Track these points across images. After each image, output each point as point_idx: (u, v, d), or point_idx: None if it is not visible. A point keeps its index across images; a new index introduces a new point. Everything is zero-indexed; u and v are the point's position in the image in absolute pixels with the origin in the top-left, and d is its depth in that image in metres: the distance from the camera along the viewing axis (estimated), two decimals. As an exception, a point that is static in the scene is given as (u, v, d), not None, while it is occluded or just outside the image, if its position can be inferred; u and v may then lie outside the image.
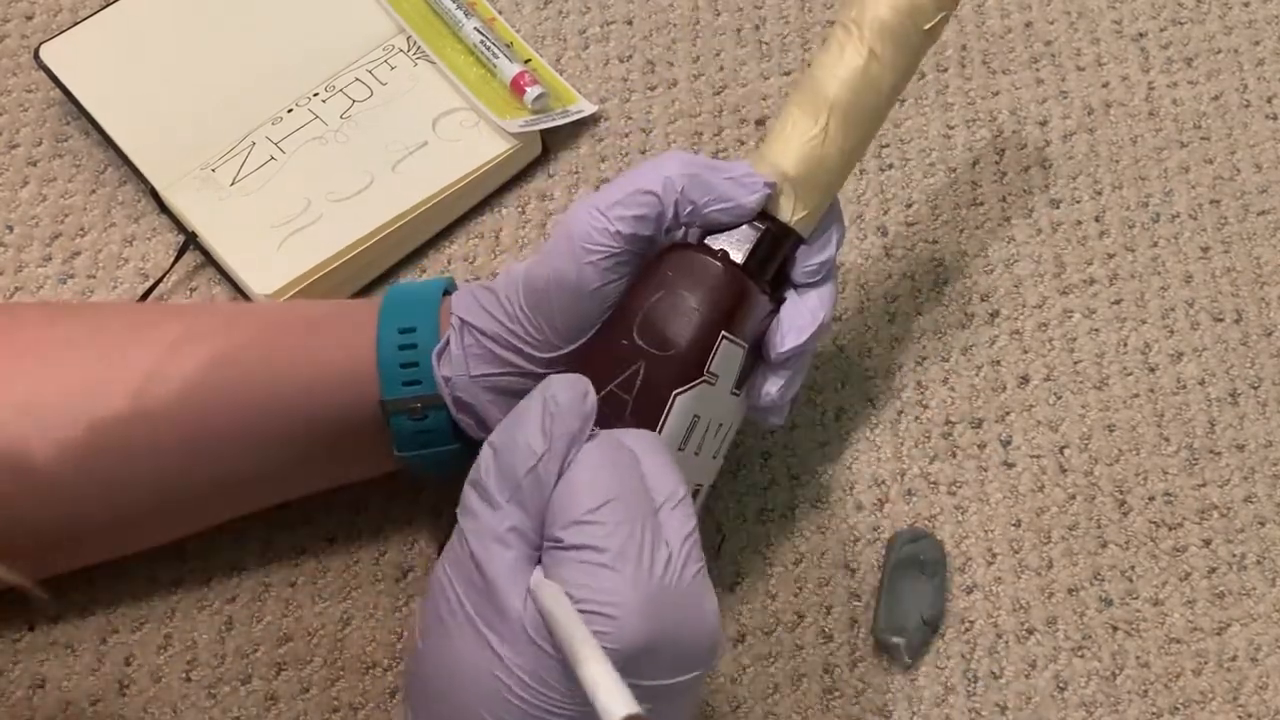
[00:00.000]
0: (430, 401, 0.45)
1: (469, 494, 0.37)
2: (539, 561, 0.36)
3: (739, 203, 0.43)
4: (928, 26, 0.45)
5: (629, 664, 0.34)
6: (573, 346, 0.43)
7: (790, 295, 0.46)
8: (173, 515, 0.48)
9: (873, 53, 0.44)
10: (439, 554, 0.39)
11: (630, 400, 0.42)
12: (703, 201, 0.43)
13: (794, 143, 0.44)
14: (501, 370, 0.44)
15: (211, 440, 0.45)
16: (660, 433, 0.42)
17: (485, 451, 0.37)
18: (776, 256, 0.45)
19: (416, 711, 0.38)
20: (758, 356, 0.46)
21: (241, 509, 0.49)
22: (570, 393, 0.37)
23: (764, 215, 0.44)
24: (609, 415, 0.41)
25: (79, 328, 0.47)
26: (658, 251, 0.44)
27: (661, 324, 0.42)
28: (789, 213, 0.44)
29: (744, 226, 0.44)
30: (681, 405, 0.42)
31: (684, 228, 0.44)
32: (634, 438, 0.38)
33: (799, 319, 0.45)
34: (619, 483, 0.36)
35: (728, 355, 0.43)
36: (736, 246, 0.44)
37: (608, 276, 0.43)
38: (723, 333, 0.43)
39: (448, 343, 0.45)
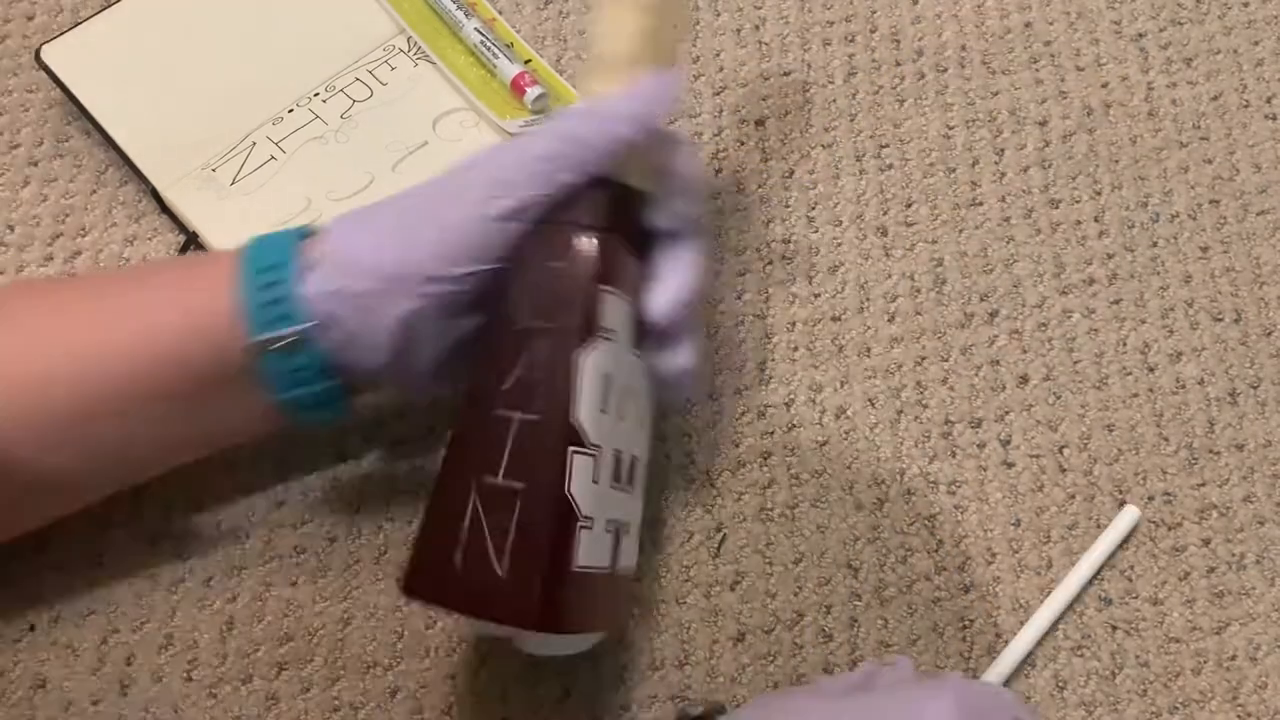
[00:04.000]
0: (304, 335, 0.44)
1: None
2: None
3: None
4: None
5: None
6: (457, 270, 0.44)
7: (656, 258, 0.47)
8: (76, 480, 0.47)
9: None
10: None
11: (540, 380, 0.42)
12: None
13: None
14: (370, 286, 0.44)
15: (93, 405, 0.44)
16: (579, 400, 0.42)
17: None
18: (625, 211, 0.45)
19: None
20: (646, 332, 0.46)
21: (134, 477, 0.49)
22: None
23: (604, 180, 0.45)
24: (522, 403, 0.42)
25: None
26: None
27: (541, 296, 0.43)
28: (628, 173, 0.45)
29: (590, 191, 0.44)
30: (590, 366, 0.42)
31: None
32: None
33: (666, 277, 0.46)
34: None
35: (615, 310, 0.44)
36: (585, 211, 0.44)
37: (506, 213, 0.43)
38: (599, 286, 0.43)
39: (313, 261, 0.44)
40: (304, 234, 0.46)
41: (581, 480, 0.42)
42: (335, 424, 0.48)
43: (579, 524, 0.42)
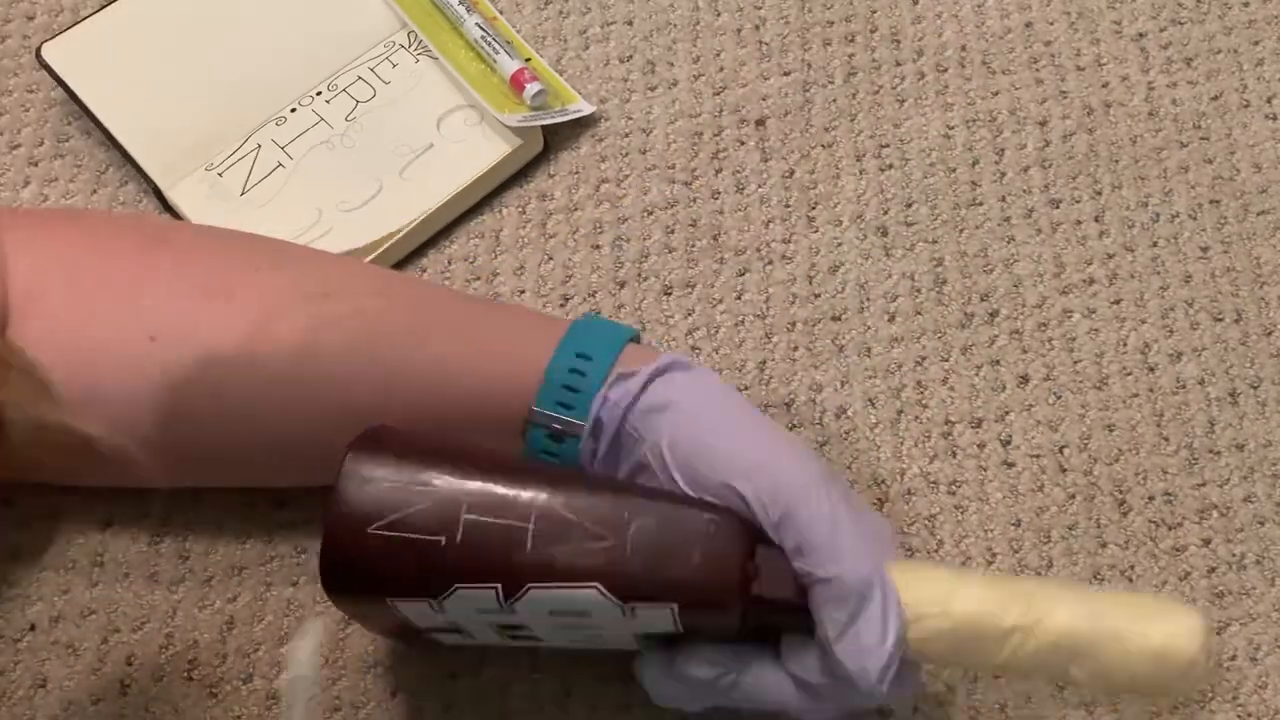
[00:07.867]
0: (571, 430, 0.45)
1: None
2: None
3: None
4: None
5: None
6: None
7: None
8: (259, 465, 0.49)
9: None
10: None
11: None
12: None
13: (919, 599, 0.41)
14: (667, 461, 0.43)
15: (352, 402, 0.46)
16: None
17: None
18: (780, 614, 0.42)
19: None
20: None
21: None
22: None
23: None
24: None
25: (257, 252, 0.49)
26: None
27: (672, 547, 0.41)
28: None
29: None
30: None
31: None
32: None
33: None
34: None
35: (656, 616, 0.42)
36: (771, 572, 0.42)
37: None
38: (673, 605, 0.41)
39: (634, 374, 0.44)
40: (632, 337, 0.47)
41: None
42: None
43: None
